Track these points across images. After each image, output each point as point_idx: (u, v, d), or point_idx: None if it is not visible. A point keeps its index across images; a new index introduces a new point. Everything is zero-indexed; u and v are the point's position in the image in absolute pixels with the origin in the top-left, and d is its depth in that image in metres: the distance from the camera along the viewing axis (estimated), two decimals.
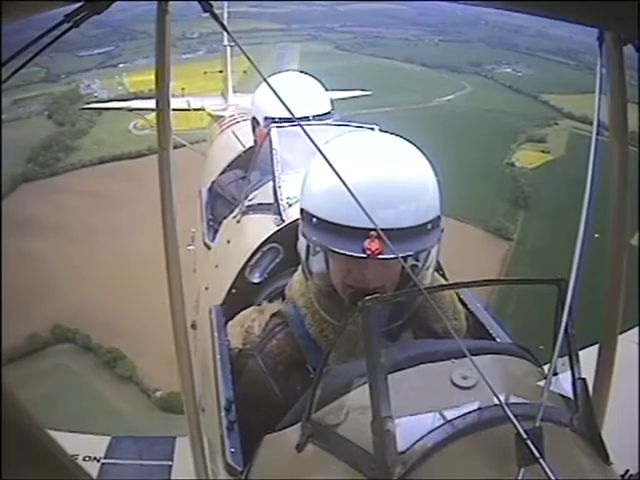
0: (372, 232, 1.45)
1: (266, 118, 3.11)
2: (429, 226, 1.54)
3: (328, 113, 3.15)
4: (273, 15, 53.82)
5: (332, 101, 3.31)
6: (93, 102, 35.09)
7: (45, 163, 31.57)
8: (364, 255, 1.46)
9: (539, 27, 46.82)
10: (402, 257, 1.44)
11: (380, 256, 1.45)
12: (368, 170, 1.53)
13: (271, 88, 1.32)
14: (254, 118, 3.28)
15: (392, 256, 1.45)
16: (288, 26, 54.20)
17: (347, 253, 1.48)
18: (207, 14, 1.25)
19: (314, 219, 1.57)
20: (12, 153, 28.81)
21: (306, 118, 2.98)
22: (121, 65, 42.94)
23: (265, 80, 1.38)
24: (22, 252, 22.32)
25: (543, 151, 33.52)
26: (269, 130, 2.66)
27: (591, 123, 1.35)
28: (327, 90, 3.37)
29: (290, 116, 1.45)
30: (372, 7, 55.21)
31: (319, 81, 3.36)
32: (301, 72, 3.50)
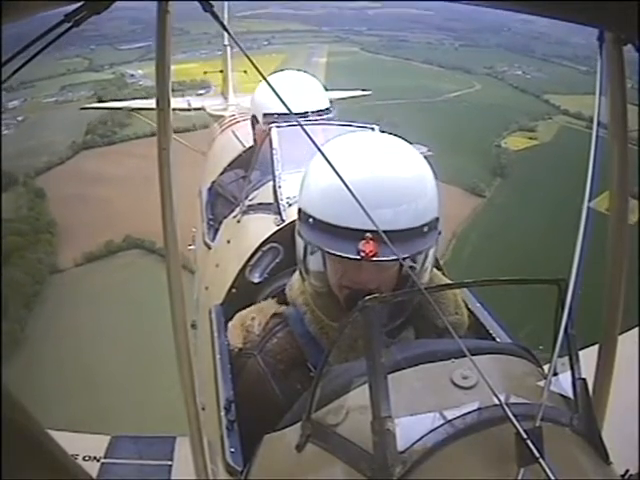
0: (367, 234, 1.44)
1: (265, 115, 3.14)
2: (425, 228, 1.53)
3: (327, 109, 3.18)
4: (304, 17, 55.43)
5: (331, 100, 3.35)
6: (138, 88, 38.93)
7: (103, 134, 36.50)
8: (358, 257, 1.45)
9: (560, 35, 48.19)
10: (398, 259, 1.43)
11: (374, 258, 1.44)
12: (366, 170, 1.52)
13: (271, 87, 1.32)
14: (253, 116, 3.32)
15: (386, 259, 1.44)
16: (318, 28, 55.89)
17: (341, 255, 1.47)
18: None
19: (310, 219, 1.57)
20: (69, 126, 35.76)
21: (304, 114, 3.02)
22: None
23: (265, 79, 1.37)
24: (93, 195, 29.66)
25: (530, 138, 37.02)
26: (269, 129, 2.66)
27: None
28: (327, 90, 3.43)
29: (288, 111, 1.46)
30: (400, 12, 57.49)
31: (317, 79, 3.42)
32: (299, 70, 3.55)
